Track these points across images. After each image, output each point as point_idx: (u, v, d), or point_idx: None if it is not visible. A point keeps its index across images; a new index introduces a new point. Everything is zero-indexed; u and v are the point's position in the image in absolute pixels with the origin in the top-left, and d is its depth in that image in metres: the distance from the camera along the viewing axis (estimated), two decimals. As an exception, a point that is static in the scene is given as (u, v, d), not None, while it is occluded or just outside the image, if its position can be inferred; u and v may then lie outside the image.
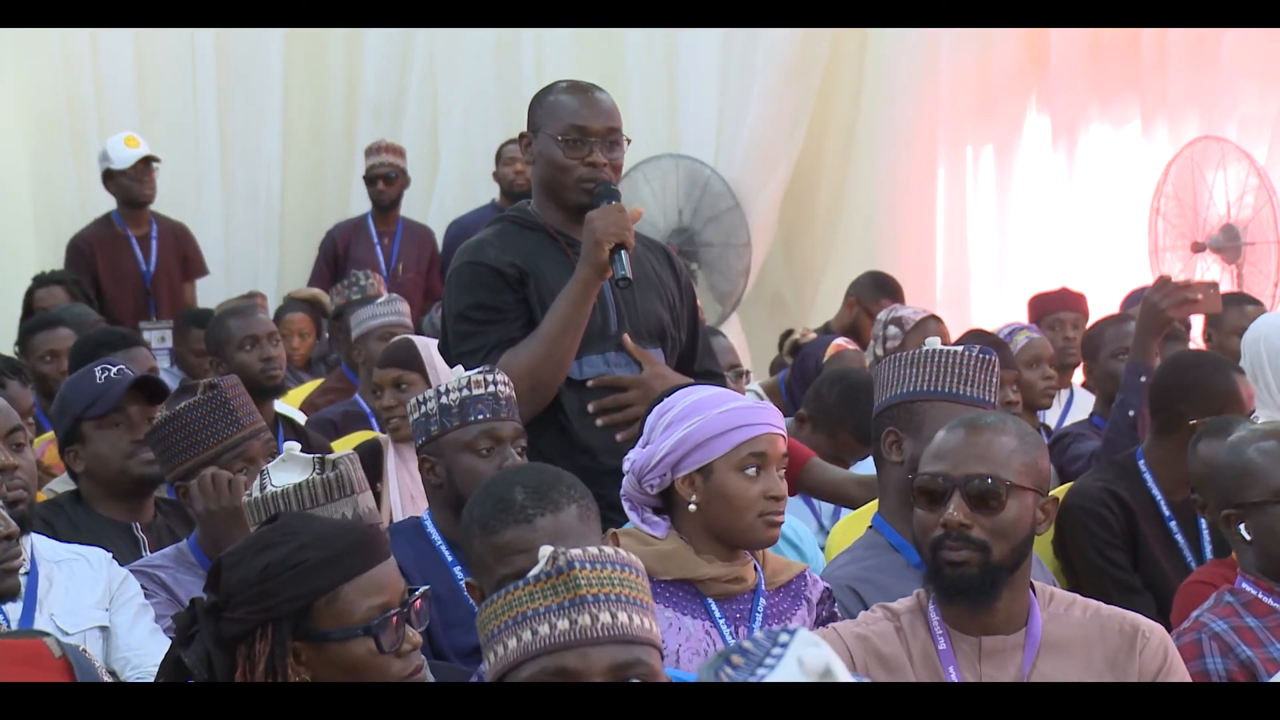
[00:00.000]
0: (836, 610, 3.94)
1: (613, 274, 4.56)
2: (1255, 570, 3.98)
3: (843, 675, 1.85)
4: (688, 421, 3.77)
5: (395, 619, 2.98)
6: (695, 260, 10.14)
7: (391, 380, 5.90)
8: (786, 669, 1.86)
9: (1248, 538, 3.95)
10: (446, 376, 4.45)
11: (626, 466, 3.85)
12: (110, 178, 9.94)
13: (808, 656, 1.87)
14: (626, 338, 4.71)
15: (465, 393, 4.29)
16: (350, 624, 2.96)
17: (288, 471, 3.79)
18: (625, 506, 3.87)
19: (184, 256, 10.23)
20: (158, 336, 9.48)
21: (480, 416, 4.28)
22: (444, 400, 4.30)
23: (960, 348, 4.24)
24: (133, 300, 9.95)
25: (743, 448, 3.75)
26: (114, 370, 4.85)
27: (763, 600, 3.82)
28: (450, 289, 4.75)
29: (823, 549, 5.42)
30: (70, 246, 10.04)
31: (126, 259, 9.96)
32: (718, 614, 3.77)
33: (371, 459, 5.67)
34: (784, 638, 1.91)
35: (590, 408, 4.65)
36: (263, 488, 3.78)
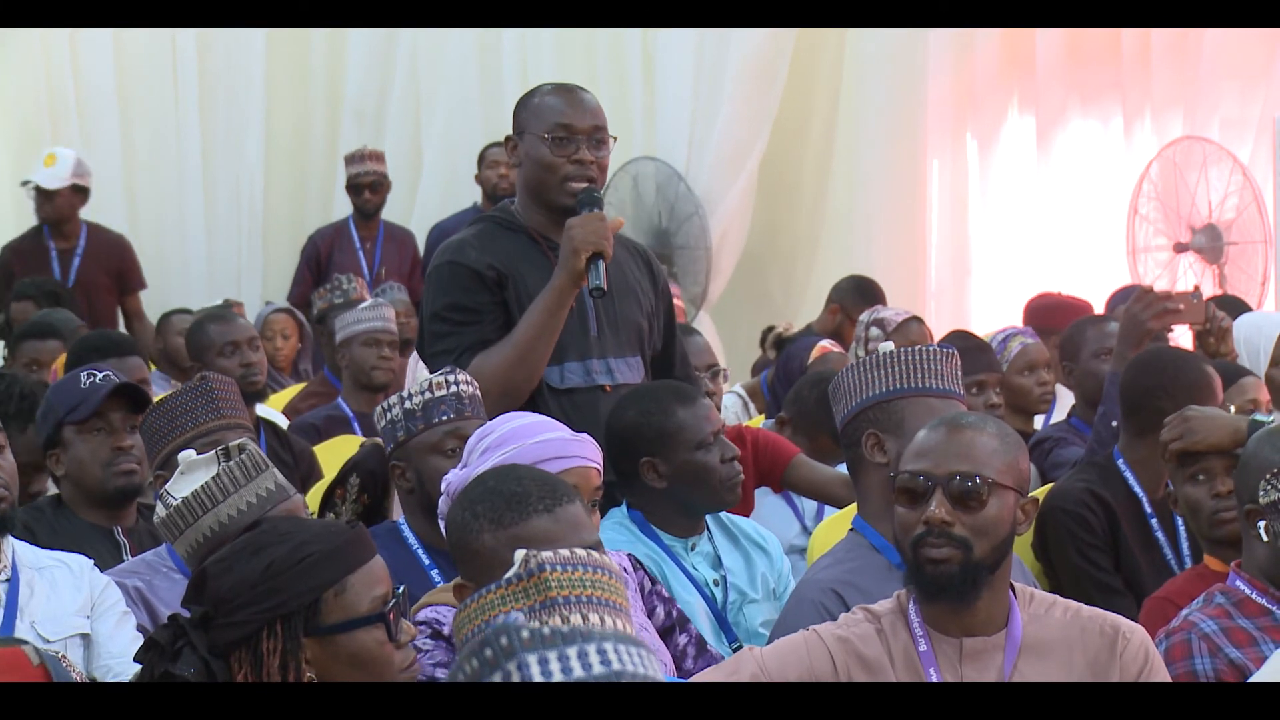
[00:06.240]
0: (651, 572, 3.96)
1: (588, 283, 4.55)
2: (1259, 571, 3.93)
3: None
4: (503, 449, 3.74)
5: (394, 610, 2.99)
6: (672, 263, 10.13)
7: None
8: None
9: (1265, 538, 3.91)
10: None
11: (443, 487, 3.79)
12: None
13: None
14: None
15: (428, 395, 4.30)
16: (359, 614, 2.95)
17: (191, 480, 3.75)
18: (442, 527, 3.68)
19: (118, 271, 10.09)
20: None
21: (445, 417, 4.29)
22: (408, 405, 4.31)
23: (919, 346, 4.28)
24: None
25: None
26: (99, 376, 4.81)
27: None
28: (429, 288, 4.74)
29: (805, 551, 5.42)
30: None
31: (43, 272, 9.83)
32: None
33: (379, 465, 5.58)
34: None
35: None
36: (175, 497, 3.73)
